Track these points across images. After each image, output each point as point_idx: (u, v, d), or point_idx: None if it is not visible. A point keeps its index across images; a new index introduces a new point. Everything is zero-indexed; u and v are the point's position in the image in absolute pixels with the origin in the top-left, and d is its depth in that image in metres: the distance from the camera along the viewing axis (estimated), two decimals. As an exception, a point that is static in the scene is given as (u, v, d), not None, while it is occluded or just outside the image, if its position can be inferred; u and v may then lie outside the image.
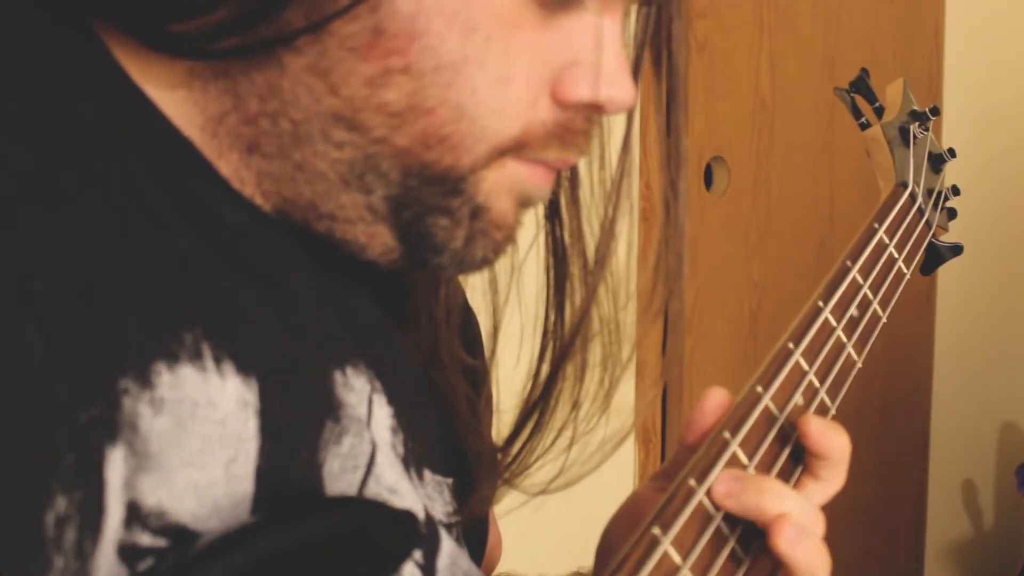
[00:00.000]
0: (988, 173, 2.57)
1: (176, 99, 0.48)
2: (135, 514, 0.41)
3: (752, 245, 2.09)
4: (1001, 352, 2.64)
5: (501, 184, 0.50)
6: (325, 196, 0.49)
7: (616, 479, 1.68)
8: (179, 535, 0.42)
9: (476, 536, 0.64)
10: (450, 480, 0.60)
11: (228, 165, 0.49)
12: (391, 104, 0.46)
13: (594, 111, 0.51)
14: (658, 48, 0.55)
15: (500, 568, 0.75)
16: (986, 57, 2.54)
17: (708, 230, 1.99)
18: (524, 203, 0.53)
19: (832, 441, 0.56)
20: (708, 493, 0.52)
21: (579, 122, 0.51)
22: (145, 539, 0.42)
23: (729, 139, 2.02)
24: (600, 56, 0.49)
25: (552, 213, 0.61)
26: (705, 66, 1.95)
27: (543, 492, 0.64)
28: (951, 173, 2.39)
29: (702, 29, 1.93)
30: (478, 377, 0.64)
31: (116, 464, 0.41)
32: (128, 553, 0.41)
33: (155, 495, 0.42)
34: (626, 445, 1.91)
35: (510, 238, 0.53)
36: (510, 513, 0.77)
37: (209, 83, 0.48)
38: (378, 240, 0.50)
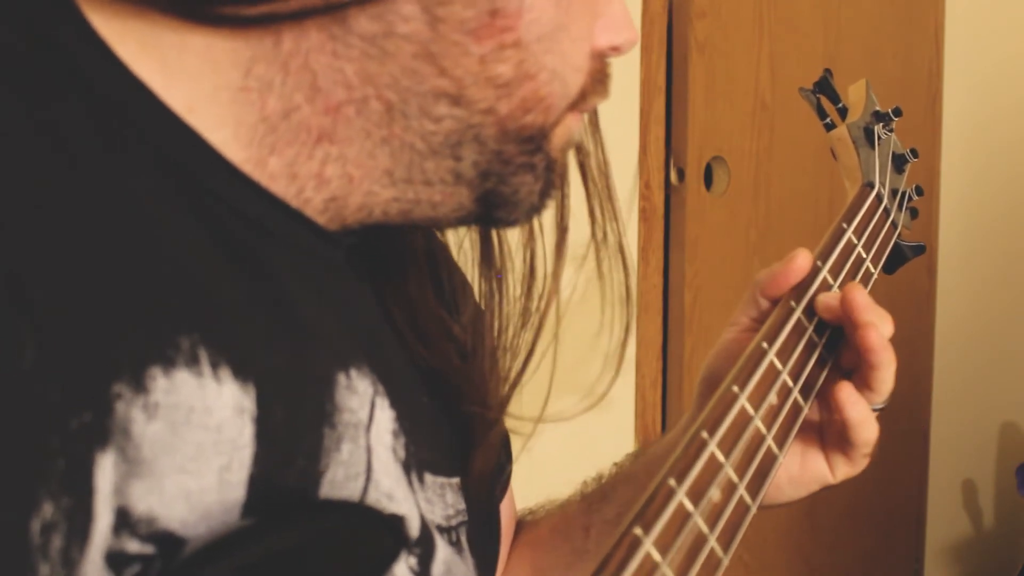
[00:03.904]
0: (988, 173, 2.56)
1: (220, 101, 0.47)
2: (124, 521, 0.41)
3: (752, 245, 2.08)
4: (1001, 352, 2.64)
5: (562, 136, 0.54)
6: (408, 164, 0.50)
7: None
8: (167, 542, 0.42)
9: (487, 531, 0.64)
10: (455, 480, 0.59)
11: (280, 160, 0.49)
12: (500, 76, 0.49)
13: (613, 54, 0.55)
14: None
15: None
16: (986, 57, 2.54)
17: (708, 230, 1.99)
18: (567, 148, 0.56)
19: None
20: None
21: (605, 67, 0.55)
22: (133, 546, 0.41)
23: (729, 139, 2.02)
24: (613, 6, 0.54)
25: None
26: (705, 66, 1.95)
27: (540, 421, 0.66)
28: (952, 172, 2.38)
29: (702, 29, 1.93)
30: (471, 337, 0.64)
31: (106, 470, 0.40)
32: (115, 560, 0.41)
33: (145, 502, 0.41)
34: (626, 445, 1.91)
35: (560, 182, 0.57)
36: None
37: (276, 80, 0.47)
38: (454, 200, 0.52)
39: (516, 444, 0.69)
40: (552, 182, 0.55)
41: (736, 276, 2.04)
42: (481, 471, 0.61)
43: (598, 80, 0.54)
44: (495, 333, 0.62)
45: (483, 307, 0.63)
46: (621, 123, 1.83)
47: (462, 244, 0.63)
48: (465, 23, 0.47)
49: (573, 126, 0.55)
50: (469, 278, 0.64)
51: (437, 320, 0.60)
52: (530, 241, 0.61)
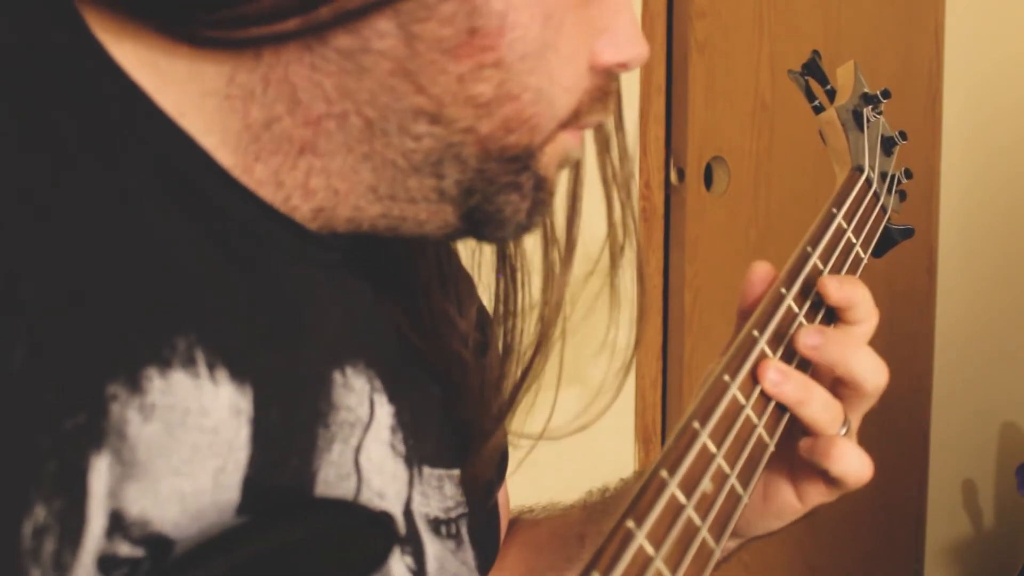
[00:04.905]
0: (988, 173, 2.56)
1: (207, 108, 0.47)
2: (117, 524, 0.41)
3: (752, 245, 2.08)
4: (1001, 352, 2.64)
5: (555, 154, 0.53)
6: (391, 181, 0.50)
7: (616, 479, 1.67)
8: (157, 544, 0.42)
9: (487, 523, 0.64)
10: (455, 472, 0.59)
11: (266, 168, 0.49)
12: (480, 96, 0.48)
13: (620, 70, 0.53)
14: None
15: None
16: (986, 57, 2.54)
17: (708, 230, 1.99)
18: (563, 166, 0.55)
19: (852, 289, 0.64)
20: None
21: (609, 84, 0.53)
22: (124, 549, 0.41)
23: (729, 139, 2.02)
24: (620, 20, 0.52)
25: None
26: (705, 66, 1.95)
27: (541, 438, 0.65)
28: (952, 172, 2.38)
29: (702, 29, 1.93)
30: (475, 334, 0.63)
31: (101, 472, 0.40)
32: (106, 563, 0.41)
33: (139, 504, 0.41)
34: (626, 445, 1.90)
35: (553, 199, 0.56)
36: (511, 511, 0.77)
37: (256, 89, 0.47)
38: (439, 218, 0.51)
39: (516, 458, 0.69)
40: (543, 200, 0.53)
41: (736, 276, 2.04)
42: (474, 480, 0.61)
43: (596, 98, 0.53)
44: (506, 332, 0.62)
45: (498, 308, 0.62)
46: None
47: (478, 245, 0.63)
48: (442, 41, 0.46)
49: (569, 144, 0.54)
50: (486, 283, 0.63)
51: (441, 314, 0.60)
52: (547, 247, 0.60)
